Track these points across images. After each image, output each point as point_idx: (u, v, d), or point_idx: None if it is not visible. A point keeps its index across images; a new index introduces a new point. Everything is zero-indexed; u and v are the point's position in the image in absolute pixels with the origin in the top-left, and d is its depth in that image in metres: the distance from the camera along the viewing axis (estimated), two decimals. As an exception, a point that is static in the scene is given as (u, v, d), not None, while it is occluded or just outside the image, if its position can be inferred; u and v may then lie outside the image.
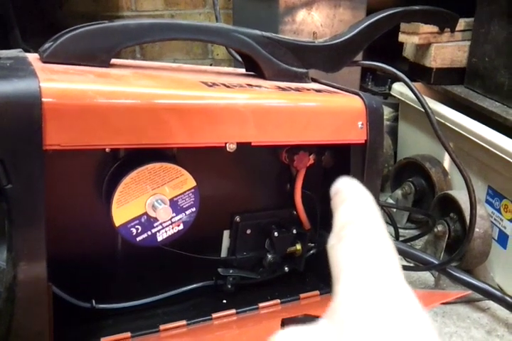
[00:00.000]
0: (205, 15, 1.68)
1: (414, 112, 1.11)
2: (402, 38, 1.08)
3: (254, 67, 0.64)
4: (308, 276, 0.69)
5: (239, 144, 0.52)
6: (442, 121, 0.96)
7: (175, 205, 0.52)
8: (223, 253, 0.65)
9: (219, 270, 0.63)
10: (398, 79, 0.75)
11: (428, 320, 0.18)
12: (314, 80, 0.69)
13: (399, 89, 1.17)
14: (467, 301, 0.81)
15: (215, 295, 0.63)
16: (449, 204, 0.89)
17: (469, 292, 0.73)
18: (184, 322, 0.55)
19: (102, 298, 0.56)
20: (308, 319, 0.45)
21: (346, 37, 0.70)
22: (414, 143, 1.18)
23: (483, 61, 1.01)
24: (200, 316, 0.57)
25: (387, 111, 1.27)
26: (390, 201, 1.11)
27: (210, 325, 0.56)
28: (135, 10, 1.65)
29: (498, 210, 0.86)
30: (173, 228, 0.53)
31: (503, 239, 0.86)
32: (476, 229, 0.78)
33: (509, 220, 0.84)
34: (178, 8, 1.67)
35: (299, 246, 0.66)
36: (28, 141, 0.40)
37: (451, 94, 1.06)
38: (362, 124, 0.58)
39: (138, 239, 0.51)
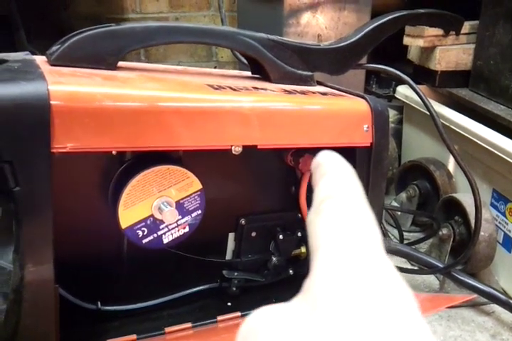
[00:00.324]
0: (209, 18, 1.69)
1: (418, 115, 1.11)
2: (406, 40, 1.08)
3: (259, 70, 0.65)
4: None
5: (244, 147, 0.52)
6: (447, 123, 0.96)
7: (181, 208, 0.52)
8: (228, 256, 0.65)
9: (224, 272, 0.63)
10: (403, 82, 0.75)
11: (409, 295, 0.16)
12: (320, 83, 0.69)
13: (403, 91, 1.17)
14: (472, 305, 0.81)
15: (220, 297, 0.63)
16: (454, 208, 0.89)
17: (474, 296, 0.73)
18: (189, 325, 0.55)
19: (108, 299, 0.56)
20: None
21: (351, 40, 0.70)
22: (418, 145, 1.18)
23: (488, 64, 1.00)
24: (205, 318, 0.57)
25: (391, 114, 1.26)
26: (395, 204, 1.11)
27: (215, 327, 0.56)
28: (139, 12, 1.65)
29: (503, 213, 0.86)
30: (178, 230, 0.53)
31: (507, 243, 0.86)
32: (481, 233, 0.78)
33: (514, 223, 0.84)
34: (182, 11, 1.67)
35: (303, 249, 0.66)
36: (36, 143, 0.41)
37: (456, 97, 1.06)
38: (367, 127, 0.58)
39: (144, 241, 0.51)
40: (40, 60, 0.52)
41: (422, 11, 0.84)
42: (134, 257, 0.58)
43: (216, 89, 0.53)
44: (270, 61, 0.61)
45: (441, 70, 1.07)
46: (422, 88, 1.10)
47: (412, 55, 1.17)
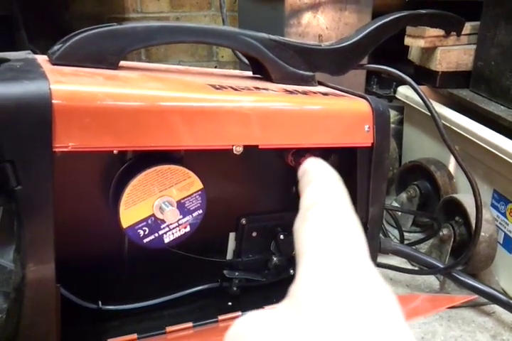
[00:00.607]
0: (210, 18, 1.69)
1: (419, 115, 1.11)
2: (407, 41, 1.08)
3: (261, 70, 0.65)
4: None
5: (245, 147, 0.52)
6: (448, 124, 0.96)
7: (182, 207, 0.52)
8: (229, 256, 0.65)
9: (224, 272, 0.63)
10: (404, 83, 0.75)
11: (392, 300, 0.17)
12: (321, 83, 0.69)
13: (404, 92, 1.17)
14: (472, 305, 0.81)
15: (221, 297, 0.63)
16: (455, 208, 0.89)
17: (475, 296, 0.73)
18: (190, 324, 0.55)
19: (109, 299, 0.56)
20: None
21: (353, 40, 0.70)
22: (419, 146, 1.18)
23: (489, 65, 1.01)
24: (206, 318, 0.57)
25: (392, 114, 1.26)
26: (395, 204, 1.11)
27: (216, 327, 0.56)
28: (140, 12, 1.65)
29: (504, 214, 0.86)
30: (179, 230, 0.53)
31: (508, 243, 0.86)
32: (482, 233, 0.78)
33: (514, 224, 0.84)
34: (183, 10, 1.67)
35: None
36: (37, 142, 0.41)
37: (457, 98, 1.06)
38: (368, 128, 0.58)
39: (145, 240, 0.51)
40: (41, 59, 0.52)
41: (423, 11, 0.84)
42: (135, 257, 0.58)
43: (218, 89, 0.53)
44: (271, 61, 0.61)
45: (442, 71, 1.07)
46: (423, 88, 1.10)
47: (413, 55, 1.17)
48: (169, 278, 0.60)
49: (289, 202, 0.65)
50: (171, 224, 0.52)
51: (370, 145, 0.59)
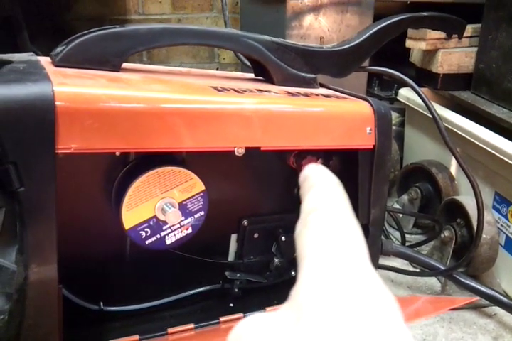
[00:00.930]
0: (212, 20, 1.69)
1: (420, 117, 1.11)
2: (409, 43, 1.09)
3: (263, 72, 0.65)
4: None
5: (247, 149, 0.52)
6: (449, 126, 0.96)
7: (184, 209, 0.52)
8: (230, 257, 0.65)
9: (226, 273, 0.63)
10: (405, 85, 0.75)
11: (392, 303, 0.17)
12: (322, 85, 0.69)
13: (405, 94, 1.17)
14: (474, 307, 0.81)
15: (222, 298, 0.63)
16: (456, 210, 0.89)
17: (477, 298, 0.73)
18: (192, 326, 0.56)
19: (110, 300, 0.56)
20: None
21: (354, 42, 0.70)
22: (420, 148, 1.18)
23: (490, 67, 1.01)
24: (207, 319, 0.57)
25: (393, 116, 1.26)
26: (397, 206, 1.11)
27: (217, 328, 0.56)
28: (142, 13, 1.66)
29: (505, 216, 0.86)
30: (181, 231, 0.53)
31: (509, 245, 0.86)
32: (483, 235, 0.78)
33: (516, 226, 0.84)
34: (185, 12, 1.67)
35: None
36: (40, 144, 0.41)
37: (458, 100, 1.06)
38: (370, 130, 0.59)
39: (147, 242, 0.51)
40: (44, 60, 0.52)
41: (425, 14, 0.84)
42: (137, 258, 0.58)
43: (220, 91, 0.53)
44: (274, 63, 0.62)
45: (443, 73, 1.07)
46: (424, 91, 1.10)
47: (415, 57, 1.17)
48: (171, 280, 0.60)
49: (291, 203, 0.65)
50: (172, 225, 0.52)
51: (371, 147, 0.59)
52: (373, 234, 0.64)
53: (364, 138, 0.59)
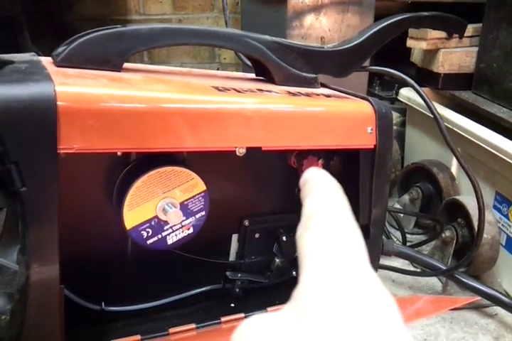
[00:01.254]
0: (212, 20, 1.69)
1: (421, 117, 1.11)
2: (410, 43, 1.09)
3: (264, 72, 0.65)
4: (316, 281, 0.69)
5: (248, 149, 0.52)
6: (450, 126, 0.96)
7: (185, 209, 0.52)
8: (232, 257, 0.65)
9: (227, 273, 0.63)
10: (406, 85, 0.75)
11: (392, 304, 0.17)
12: (323, 85, 0.69)
13: (406, 94, 1.17)
14: (475, 307, 0.81)
15: (223, 298, 0.63)
16: (457, 210, 0.89)
17: (478, 298, 0.73)
18: (193, 326, 0.56)
19: (112, 300, 0.56)
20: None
21: (355, 42, 0.70)
22: (421, 148, 1.18)
23: (491, 67, 1.01)
24: (209, 319, 0.57)
25: (394, 116, 1.26)
26: (397, 206, 1.11)
27: (219, 328, 0.56)
28: (143, 13, 1.66)
29: (506, 216, 0.86)
30: (183, 231, 0.53)
31: (510, 245, 0.86)
32: (484, 235, 0.78)
33: (517, 226, 0.84)
34: (185, 12, 1.68)
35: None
36: (42, 144, 0.41)
37: (459, 100, 1.06)
38: (371, 129, 0.59)
39: (148, 242, 0.51)
40: (46, 60, 0.52)
41: (426, 13, 0.84)
42: (138, 258, 0.58)
43: (221, 91, 0.53)
44: (275, 63, 0.62)
45: (444, 73, 1.07)
46: (425, 90, 1.10)
47: (415, 57, 1.17)
48: (172, 280, 0.60)
49: (292, 203, 0.65)
50: (174, 225, 0.52)
51: (372, 147, 0.59)
52: (374, 234, 0.64)
53: (365, 138, 0.59)
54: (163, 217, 0.51)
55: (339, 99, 0.61)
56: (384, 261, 0.82)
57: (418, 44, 1.06)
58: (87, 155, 0.49)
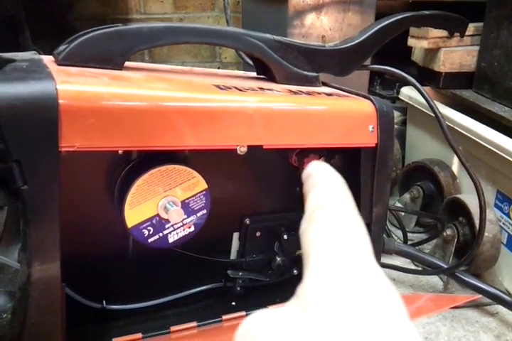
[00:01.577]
0: (213, 19, 1.69)
1: (422, 116, 1.11)
2: (411, 42, 1.09)
3: (265, 71, 0.65)
4: (317, 279, 0.69)
5: (250, 147, 0.52)
6: (451, 125, 0.96)
7: (186, 207, 0.52)
8: (233, 256, 0.65)
9: (228, 272, 0.63)
10: (407, 83, 0.75)
11: (398, 300, 0.17)
12: (324, 84, 0.69)
13: (407, 93, 1.17)
14: (476, 305, 0.81)
15: (225, 297, 0.63)
16: (458, 208, 0.89)
17: (478, 296, 0.73)
18: (194, 324, 0.56)
19: (113, 298, 0.56)
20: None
21: (356, 41, 0.70)
22: (422, 147, 1.18)
23: (492, 66, 1.01)
24: (210, 318, 0.57)
25: (395, 115, 1.26)
26: (398, 205, 1.11)
27: (220, 326, 0.56)
28: (144, 13, 1.66)
29: (507, 214, 0.86)
30: (184, 230, 0.53)
31: (511, 244, 0.86)
32: (485, 234, 0.78)
33: (518, 225, 0.84)
34: (186, 12, 1.67)
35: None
36: (44, 142, 0.41)
37: (460, 99, 1.06)
38: (373, 128, 0.59)
39: (150, 240, 0.51)
40: (47, 59, 0.52)
41: (427, 12, 0.84)
42: (140, 256, 0.58)
43: (222, 89, 0.53)
44: (276, 62, 0.62)
45: (445, 72, 1.07)
46: (426, 89, 1.10)
47: (416, 56, 1.17)
48: (173, 278, 0.60)
49: (293, 202, 0.65)
50: (175, 223, 0.52)
51: (374, 145, 0.59)
52: (375, 232, 0.64)
53: (366, 137, 0.59)
54: (164, 216, 0.51)
55: (340, 97, 0.61)
56: (385, 259, 0.82)
57: (419, 43, 1.06)
58: (88, 154, 0.49)
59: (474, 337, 0.74)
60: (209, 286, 0.63)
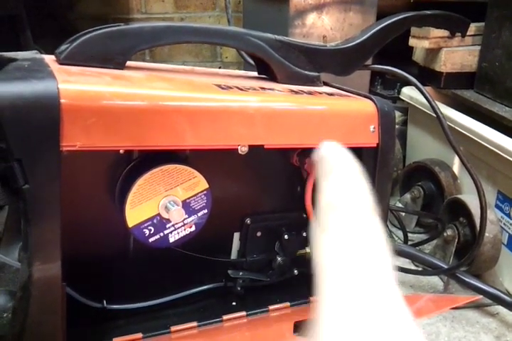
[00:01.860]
0: (214, 18, 1.69)
1: (423, 116, 1.11)
2: (412, 42, 1.08)
3: (266, 70, 0.65)
4: (318, 279, 0.69)
5: (251, 147, 0.52)
6: (452, 125, 0.96)
7: (187, 207, 0.52)
8: (233, 255, 0.65)
9: (229, 272, 0.63)
10: (408, 83, 0.75)
11: (417, 332, 0.16)
12: (326, 84, 0.69)
13: (408, 93, 1.17)
14: (476, 306, 0.81)
15: (225, 297, 0.63)
16: (459, 209, 0.89)
17: (479, 297, 0.73)
18: (195, 324, 0.56)
19: (113, 298, 0.56)
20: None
21: (358, 41, 0.70)
22: (423, 147, 1.18)
23: (493, 66, 1.00)
24: (210, 318, 0.57)
25: (396, 115, 1.26)
26: (399, 205, 1.11)
27: (220, 326, 0.56)
28: (145, 12, 1.66)
29: (508, 215, 0.86)
30: (185, 229, 0.53)
31: (512, 244, 0.86)
32: (486, 234, 0.78)
33: (519, 225, 0.84)
34: (187, 11, 1.67)
35: (308, 249, 0.66)
36: (45, 141, 0.41)
37: (461, 99, 1.06)
38: (374, 128, 0.59)
39: (150, 240, 0.51)
40: (48, 58, 0.52)
41: (428, 12, 0.84)
42: (140, 256, 0.58)
43: (223, 89, 0.53)
44: (277, 61, 0.61)
45: (446, 72, 1.07)
46: (427, 89, 1.10)
47: (417, 56, 1.17)
48: (174, 278, 0.60)
49: (294, 202, 0.65)
50: (176, 223, 0.52)
51: (375, 145, 0.59)
52: (376, 232, 0.64)
53: (368, 137, 0.59)
54: (165, 215, 0.51)
55: (342, 97, 0.61)
56: (385, 259, 0.82)
57: (420, 43, 1.06)
58: (89, 153, 0.49)
59: (475, 337, 0.74)
60: (209, 286, 0.63)
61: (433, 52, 1.08)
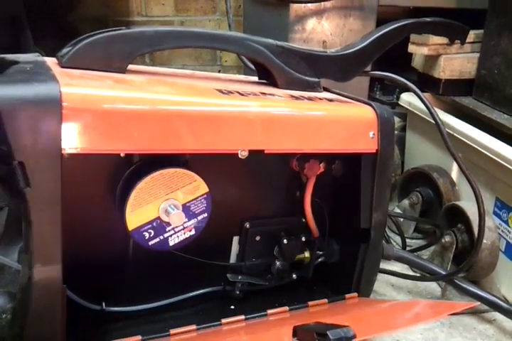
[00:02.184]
0: (214, 22, 1.69)
1: (422, 122, 1.11)
2: (411, 48, 1.09)
3: (267, 76, 0.65)
4: (316, 284, 0.69)
5: (251, 151, 0.52)
6: (450, 132, 0.97)
7: (187, 211, 0.53)
8: (232, 259, 0.65)
9: (228, 276, 0.63)
10: (407, 90, 0.75)
11: None
12: (326, 89, 0.69)
13: (407, 99, 1.18)
14: (473, 312, 0.81)
15: (224, 300, 0.64)
16: (457, 215, 0.89)
17: (477, 303, 0.73)
18: (194, 327, 0.56)
19: (113, 301, 0.56)
20: (320, 327, 0.45)
21: (358, 47, 0.71)
22: (421, 153, 1.18)
23: (492, 73, 1.01)
24: (209, 321, 0.57)
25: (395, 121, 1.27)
26: (397, 210, 1.11)
27: (219, 330, 0.56)
28: (145, 15, 1.66)
29: (506, 222, 0.86)
30: (184, 233, 0.53)
31: (510, 251, 0.86)
32: (484, 241, 0.78)
33: (516, 232, 0.84)
34: (188, 15, 1.68)
35: (307, 254, 0.67)
36: (47, 144, 0.41)
37: (460, 105, 1.07)
38: (373, 134, 0.59)
39: (150, 243, 0.52)
40: (50, 61, 0.52)
41: (428, 19, 0.84)
42: (140, 259, 0.58)
43: (224, 93, 0.53)
44: (278, 67, 0.62)
45: (445, 78, 1.08)
46: (426, 96, 1.10)
47: (417, 62, 1.17)
48: (173, 281, 0.60)
49: (293, 206, 0.65)
50: (176, 227, 0.52)
51: (374, 151, 0.59)
52: (375, 238, 0.64)
53: (367, 143, 0.59)
54: (165, 219, 0.51)
55: (342, 103, 0.61)
56: (384, 265, 0.82)
57: (419, 49, 1.06)
58: (90, 156, 0.49)
59: (471, 343, 0.74)
60: (208, 290, 0.63)
61: (432, 59, 1.08)
